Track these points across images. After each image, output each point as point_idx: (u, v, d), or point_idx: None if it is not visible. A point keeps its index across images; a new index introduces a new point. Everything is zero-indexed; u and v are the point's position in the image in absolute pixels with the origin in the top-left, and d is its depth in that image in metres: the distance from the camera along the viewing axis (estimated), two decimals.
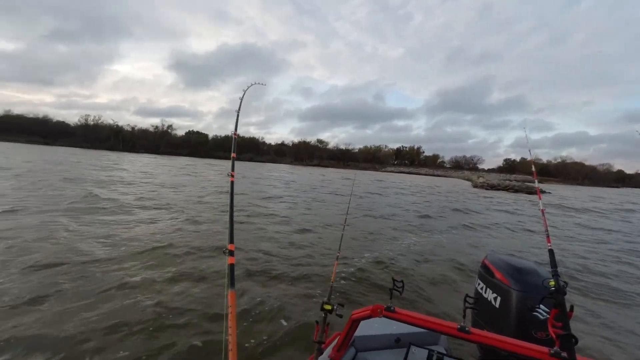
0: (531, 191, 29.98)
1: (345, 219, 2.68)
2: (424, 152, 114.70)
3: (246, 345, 2.72)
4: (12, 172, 13.45)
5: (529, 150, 2.28)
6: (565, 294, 1.10)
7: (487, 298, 1.57)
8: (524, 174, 76.27)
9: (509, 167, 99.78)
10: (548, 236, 1.50)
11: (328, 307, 1.34)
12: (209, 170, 28.09)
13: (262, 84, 2.04)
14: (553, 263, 1.26)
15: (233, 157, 1.50)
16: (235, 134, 1.63)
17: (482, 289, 1.64)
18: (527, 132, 2.45)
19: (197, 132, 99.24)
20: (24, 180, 11.40)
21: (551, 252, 1.35)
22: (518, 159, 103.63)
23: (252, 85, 1.92)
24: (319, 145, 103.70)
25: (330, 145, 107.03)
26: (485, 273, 1.65)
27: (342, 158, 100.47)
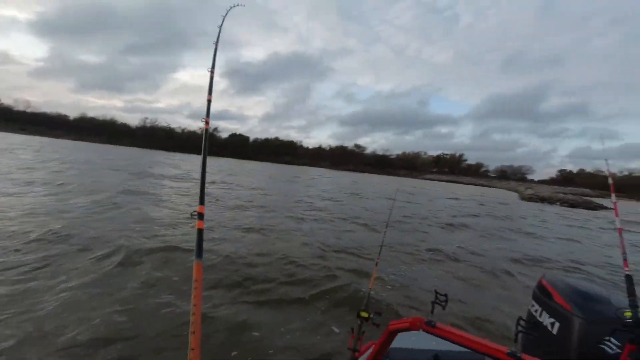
0: (590, 207, 27.04)
1: (387, 224, 2.60)
2: (466, 160, 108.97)
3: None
4: None
5: (606, 162, 1.95)
6: None
7: (542, 322, 1.43)
8: (582, 187, 69.03)
9: (564, 178, 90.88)
10: (625, 260, 1.34)
11: (364, 314, 1.30)
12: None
13: (242, 6, 1.88)
14: (631, 291, 1.13)
15: (209, 99, 1.33)
16: (211, 71, 1.41)
17: (536, 311, 1.50)
18: (603, 142, 2.15)
19: (239, 135, 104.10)
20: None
21: (629, 278, 1.22)
22: (575, 170, 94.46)
23: (232, 7, 1.80)
24: (356, 151, 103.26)
25: (368, 151, 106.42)
26: (542, 294, 1.51)
27: (379, 164, 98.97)
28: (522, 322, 0.98)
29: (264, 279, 4.09)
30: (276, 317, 3.19)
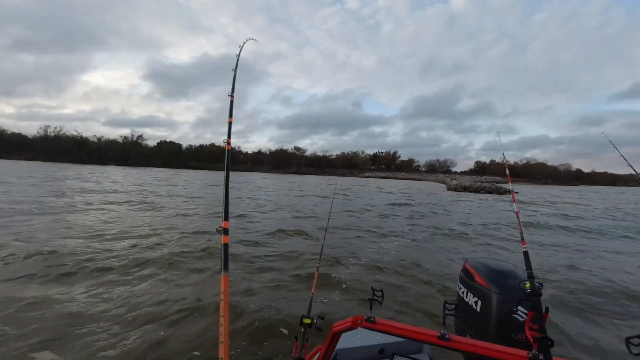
0: (501, 191, 31.50)
1: (326, 227, 2.62)
2: (399, 156, 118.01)
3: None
4: None
5: (503, 154, 2.31)
6: (540, 295, 1.09)
7: (468, 302, 1.56)
8: (494, 175, 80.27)
9: (480, 169, 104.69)
10: (522, 239, 1.52)
11: (307, 320, 1.28)
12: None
13: (255, 40, 2.04)
14: (528, 265, 1.27)
15: (230, 121, 1.45)
16: (232, 95, 1.58)
17: (463, 293, 1.64)
18: (499, 138, 2.51)
19: (170, 142, 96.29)
20: None
21: (526, 253, 1.36)
22: (488, 161, 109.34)
23: (247, 40, 1.93)
24: (297, 153, 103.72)
25: (308, 153, 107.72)
26: (466, 277, 1.64)
27: (319, 165, 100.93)
28: (448, 306, 1.06)
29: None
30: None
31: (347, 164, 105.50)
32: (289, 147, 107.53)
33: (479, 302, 1.49)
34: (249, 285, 4.17)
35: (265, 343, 2.87)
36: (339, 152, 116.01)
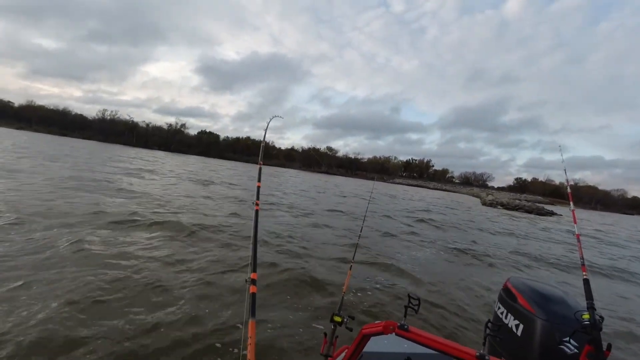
0: (542, 212, 29.35)
1: (362, 227, 2.58)
2: (433, 165, 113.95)
3: None
4: None
5: (565, 170, 2.04)
6: (601, 329, 1.01)
7: (507, 324, 1.46)
8: (534, 194, 74.92)
9: (520, 186, 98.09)
10: (583, 264, 1.37)
11: (338, 319, 1.27)
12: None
13: (280, 117, 2.18)
14: (589, 294, 1.16)
15: (258, 186, 1.49)
16: (260, 163, 1.67)
17: (502, 313, 1.53)
18: (562, 153, 2.18)
19: (209, 133, 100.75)
20: None
21: (586, 282, 1.25)
22: (529, 178, 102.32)
23: (273, 117, 2.05)
24: (329, 153, 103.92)
25: (340, 154, 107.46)
26: (507, 297, 1.54)
27: (350, 167, 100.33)
28: (490, 326, 0.99)
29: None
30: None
31: (378, 169, 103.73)
32: (322, 146, 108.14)
33: (521, 326, 1.38)
34: (277, 278, 4.28)
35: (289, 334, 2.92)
36: (370, 156, 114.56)
